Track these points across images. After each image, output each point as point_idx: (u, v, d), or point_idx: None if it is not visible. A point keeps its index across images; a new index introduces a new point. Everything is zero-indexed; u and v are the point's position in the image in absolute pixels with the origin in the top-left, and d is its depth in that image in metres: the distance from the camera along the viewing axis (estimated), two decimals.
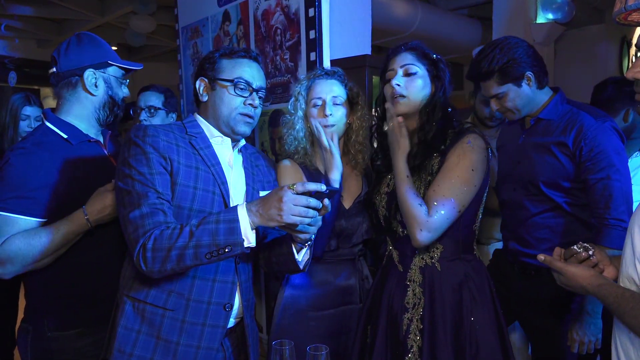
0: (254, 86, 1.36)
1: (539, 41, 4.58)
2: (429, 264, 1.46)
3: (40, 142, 1.46)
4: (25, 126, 2.56)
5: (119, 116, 1.61)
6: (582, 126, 1.64)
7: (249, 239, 1.14)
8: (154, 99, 2.49)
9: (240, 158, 1.45)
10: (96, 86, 1.53)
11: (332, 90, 1.63)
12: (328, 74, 1.66)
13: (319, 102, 1.63)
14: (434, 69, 1.50)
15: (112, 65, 1.55)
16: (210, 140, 1.37)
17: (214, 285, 1.30)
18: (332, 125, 1.61)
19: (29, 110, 2.57)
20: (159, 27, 6.11)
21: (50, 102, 6.68)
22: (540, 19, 4.54)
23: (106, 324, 1.45)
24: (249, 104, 1.35)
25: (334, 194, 1.18)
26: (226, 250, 1.12)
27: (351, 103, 1.67)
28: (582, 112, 1.69)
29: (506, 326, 1.49)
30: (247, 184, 1.42)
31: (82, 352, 1.47)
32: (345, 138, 1.69)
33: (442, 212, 1.35)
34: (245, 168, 1.44)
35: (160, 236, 1.14)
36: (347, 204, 1.67)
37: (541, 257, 1.20)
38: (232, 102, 1.34)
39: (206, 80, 1.38)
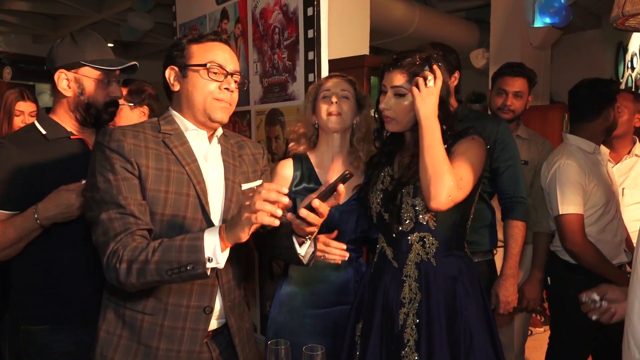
0: (228, 69, 1.27)
1: (536, 45, 4.59)
2: (425, 259, 1.48)
3: (19, 137, 1.50)
4: (19, 122, 2.53)
5: (102, 118, 1.53)
6: (493, 125, 2.00)
7: (217, 259, 1.08)
8: None
9: (218, 149, 1.35)
10: (68, 87, 1.50)
11: (340, 85, 1.74)
12: (339, 76, 1.80)
13: (328, 94, 1.73)
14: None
15: (86, 65, 1.48)
16: (186, 135, 1.29)
17: (192, 288, 1.25)
18: (339, 115, 1.69)
19: (23, 106, 2.54)
20: (157, 24, 6.07)
21: (45, 98, 6.65)
22: (538, 23, 4.56)
23: (76, 324, 1.46)
24: (225, 88, 1.27)
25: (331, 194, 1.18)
26: (188, 268, 1.07)
27: (359, 104, 1.77)
28: (484, 114, 2.05)
29: (494, 320, 1.54)
30: (226, 179, 1.33)
31: (51, 347, 1.46)
32: (351, 135, 1.77)
33: (462, 188, 1.40)
34: (224, 160, 1.35)
35: (125, 249, 1.11)
36: (341, 199, 1.68)
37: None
38: (206, 87, 1.25)
39: (176, 68, 1.28)
